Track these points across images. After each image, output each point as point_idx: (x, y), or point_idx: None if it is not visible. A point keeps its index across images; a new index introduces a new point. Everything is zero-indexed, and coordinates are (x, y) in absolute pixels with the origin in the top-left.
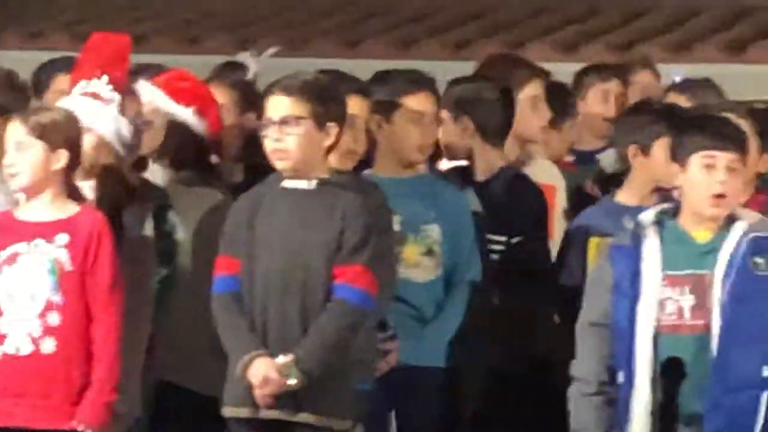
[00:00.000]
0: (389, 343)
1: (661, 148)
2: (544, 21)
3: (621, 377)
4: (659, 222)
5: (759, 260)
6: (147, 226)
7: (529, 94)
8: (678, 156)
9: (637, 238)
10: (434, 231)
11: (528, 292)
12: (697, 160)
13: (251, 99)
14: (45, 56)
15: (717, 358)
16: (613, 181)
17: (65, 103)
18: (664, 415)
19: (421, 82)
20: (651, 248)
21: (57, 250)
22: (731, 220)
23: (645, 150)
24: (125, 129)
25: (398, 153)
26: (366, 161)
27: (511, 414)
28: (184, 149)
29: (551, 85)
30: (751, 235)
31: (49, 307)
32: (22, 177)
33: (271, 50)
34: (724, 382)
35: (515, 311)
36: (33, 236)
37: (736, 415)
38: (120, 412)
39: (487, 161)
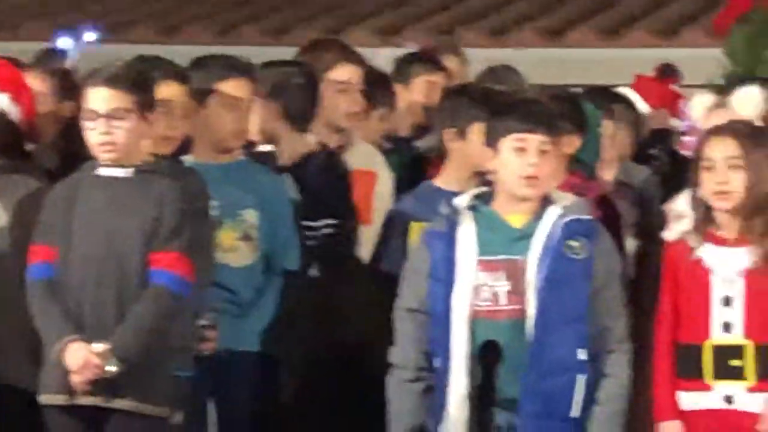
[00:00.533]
0: (209, 331)
1: (476, 132)
2: (364, 6)
3: (438, 363)
4: (474, 207)
5: (573, 243)
6: None
7: (336, 79)
8: (491, 140)
9: (452, 223)
10: (251, 216)
11: (343, 278)
12: (508, 143)
13: (69, 86)
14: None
15: (533, 343)
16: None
17: None
18: (481, 400)
19: (236, 68)
20: (466, 233)
21: None
22: (546, 204)
23: (461, 134)
24: None
25: (214, 139)
26: (186, 147)
27: (330, 401)
28: None
29: (369, 72)
30: (566, 219)
31: None
32: None
33: (90, 36)
34: (540, 366)
35: (333, 297)
36: None
37: (552, 399)
38: None
39: (293, 146)
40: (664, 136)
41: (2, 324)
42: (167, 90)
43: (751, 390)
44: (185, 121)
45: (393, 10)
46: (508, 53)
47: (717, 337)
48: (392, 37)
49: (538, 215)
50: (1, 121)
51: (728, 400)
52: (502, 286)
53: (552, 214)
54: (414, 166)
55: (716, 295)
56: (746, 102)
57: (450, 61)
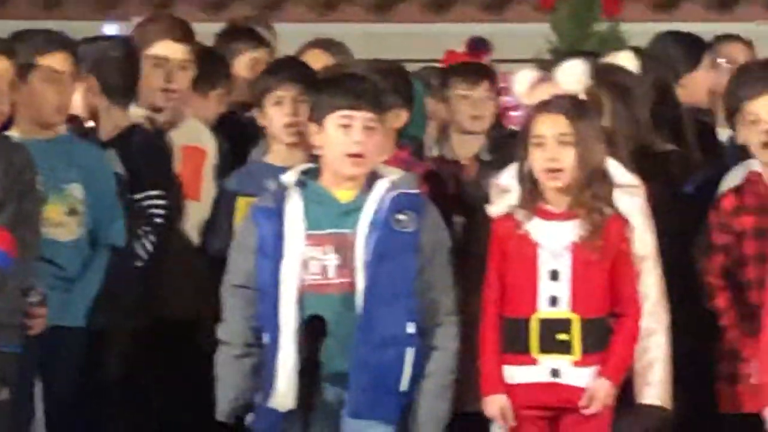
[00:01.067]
0: (38, 308)
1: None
2: None
3: (266, 338)
4: (302, 182)
5: (401, 217)
6: None
7: (154, 54)
8: (316, 116)
9: (280, 198)
10: (76, 190)
11: (170, 252)
12: (333, 120)
13: None
14: None
15: (362, 317)
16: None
17: None
18: (310, 375)
19: (57, 42)
20: (293, 209)
21: None
22: (373, 178)
23: None
24: None
25: (36, 114)
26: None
27: (158, 376)
28: None
29: (201, 49)
30: (393, 192)
31: None
32: None
33: None
34: (369, 339)
35: (159, 272)
36: None
37: (381, 373)
38: None
39: (113, 121)
40: None
41: None
42: None
43: (577, 364)
44: (10, 96)
45: None
46: (336, 27)
47: (544, 310)
48: (221, 12)
49: (366, 189)
50: None
51: (555, 373)
52: (331, 260)
53: (380, 188)
54: (241, 142)
55: (543, 268)
56: (571, 76)
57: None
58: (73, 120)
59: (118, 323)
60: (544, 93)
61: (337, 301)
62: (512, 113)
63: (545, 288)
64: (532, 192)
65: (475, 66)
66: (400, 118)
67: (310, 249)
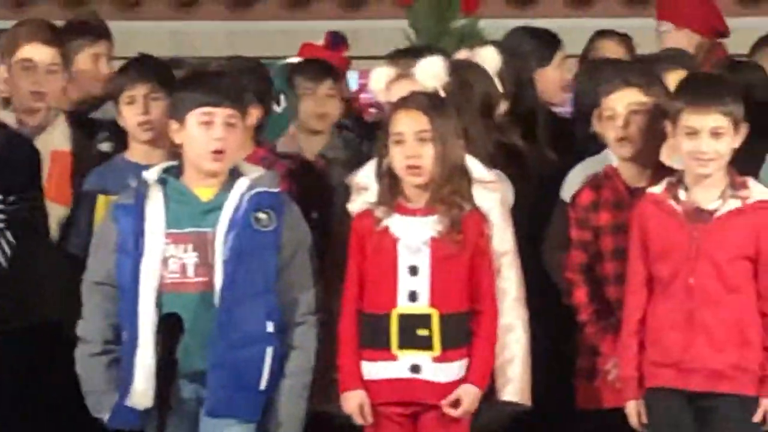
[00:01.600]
0: None
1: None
2: None
3: (125, 336)
4: (163, 180)
5: (261, 216)
6: None
7: (21, 57)
8: (176, 113)
9: (140, 196)
10: None
11: (35, 251)
12: (194, 116)
13: None
14: None
15: (221, 315)
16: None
17: None
18: (168, 373)
19: None
20: (154, 207)
21: None
22: (234, 176)
23: None
24: None
25: None
26: None
27: (26, 375)
28: None
29: None
30: (253, 191)
31: None
32: None
33: None
34: (228, 338)
35: (24, 272)
36: None
37: (240, 371)
38: None
39: None
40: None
41: None
42: None
43: (437, 360)
44: None
45: None
46: (195, 25)
47: (403, 306)
48: (76, 7)
49: (226, 188)
50: None
51: (414, 369)
52: (190, 258)
53: (240, 186)
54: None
55: (403, 264)
56: (429, 73)
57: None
58: None
59: None
60: (402, 89)
61: (195, 299)
62: (372, 110)
63: (404, 283)
64: (391, 188)
65: (318, 63)
66: (253, 116)
67: (169, 247)
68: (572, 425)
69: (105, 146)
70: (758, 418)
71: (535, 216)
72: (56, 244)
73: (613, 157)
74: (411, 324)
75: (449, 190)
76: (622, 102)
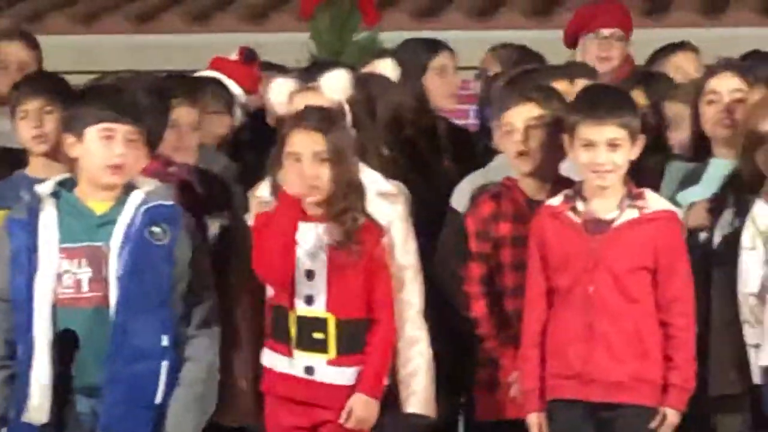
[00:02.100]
0: None
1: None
2: None
3: (20, 352)
4: (57, 193)
5: (155, 229)
6: None
7: None
8: (74, 127)
9: (33, 210)
10: None
11: None
12: (94, 132)
13: None
14: None
15: (116, 330)
16: None
17: None
18: (64, 388)
19: None
20: (47, 220)
21: None
22: (128, 189)
23: None
24: None
25: None
26: None
27: None
28: None
29: None
30: (148, 204)
31: None
32: None
33: None
34: (123, 352)
35: None
36: None
37: (136, 386)
38: None
39: None
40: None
41: None
42: None
43: (331, 363)
44: None
45: None
46: (98, 39)
47: (301, 308)
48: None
49: (120, 201)
50: None
51: (309, 371)
52: (85, 273)
53: (134, 199)
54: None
55: (300, 268)
56: (335, 86)
57: (16, 48)
58: None
59: None
60: (305, 102)
61: (90, 314)
62: None
63: (301, 287)
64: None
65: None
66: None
67: (63, 262)
68: None
69: None
70: (655, 425)
71: (439, 227)
72: None
73: (501, 167)
74: (308, 326)
75: (343, 207)
76: (520, 117)
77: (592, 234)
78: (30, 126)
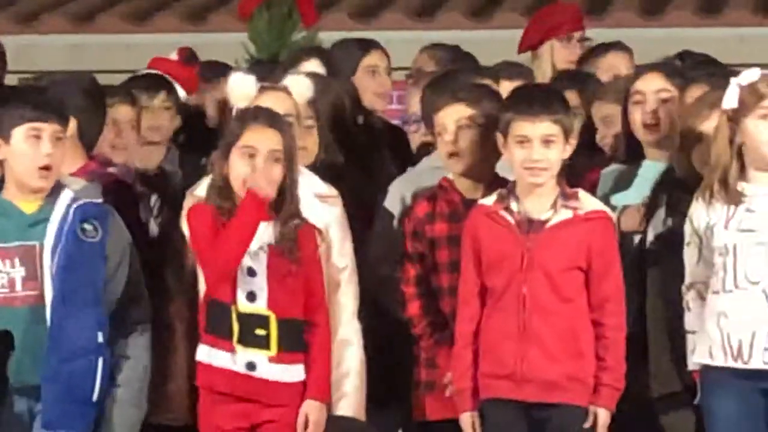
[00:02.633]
0: None
1: None
2: None
3: None
4: None
5: (87, 226)
6: None
7: None
8: (0, 129)
9: None
10: None
11: None
12: (21, 132)
13: None
14: None
15: (52, 328)
16: None
17: None
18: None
19: None
20: None
21: None
22: (58, 188)
23: None
24: None
25: None
26: None
27: None
28: None
29: None
30: (78, 203)
31: None
32: None
33: None
34: (59, 350)
35: None
36: None
37: (73, 383)
38: None
39: None
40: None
41: None
42: None
43: (272, 360)
44: None
45: None
46: (36, 39)
47: (243, 305)
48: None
49: (50, 200)
50: None
51: (250, 366)
52: (18, 272)
53: (65, 198)
54: None
55: (243, 265)
56: (302, 87)
57: None
58: None
59: None
60: (268, 102)
61: (25, 313)
62: None
63: (243, 283)
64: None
65: (153, 77)
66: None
67: None
68: None
69: None
70: (588, 424)
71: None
72: None
73: (428, 169)
74: (250, 323)
75: (291, 209)
76: (451, 117)
77: (525, 234)
78: None
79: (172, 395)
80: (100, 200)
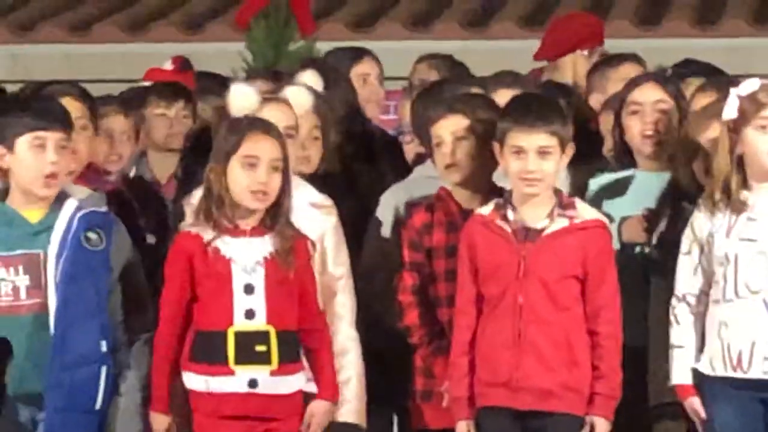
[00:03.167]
0: None
1: None
2: None
3: None
4: None
5: (91, 235)
6: None
7: None
8: (4, 138)
9: None
10: None
11: None
12: (25, 141)
13: None
14: None
15: (56, 336)
16: None
17: None
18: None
19: None
20: None
21: None
22: (62, 197)
23: None
24: None
25: None
26: None
27: None
28: None
29: None
30: (83, 211)
31: None
32: None
33: None
34: (63, 359)
35: None
36: None
37: (76, 392)
38: None
39: None
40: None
41: None
42: None
43: (274, 374)
44: None
45: None
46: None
47: (240, 323)
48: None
49: (54, 209)
50: None
51: (252, 384)
52: (22, 280)
53: (69, 207)
54: None
55: (238, 283)
56: (302, 99)
57: None
58: None
59: None
60: (271, 113)
61: (29, 322)
62: None
63: (240, 302)
64: (212, 209)
65: (173, 86)
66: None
67: (0, 270)
68: None
69: None
70: None
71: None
72: None
73: (421, 178)
74: (249, 340)
75: (286, 218)
76: (448, 129)
77: (522, 242)
78: None
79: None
80: (104, 209)
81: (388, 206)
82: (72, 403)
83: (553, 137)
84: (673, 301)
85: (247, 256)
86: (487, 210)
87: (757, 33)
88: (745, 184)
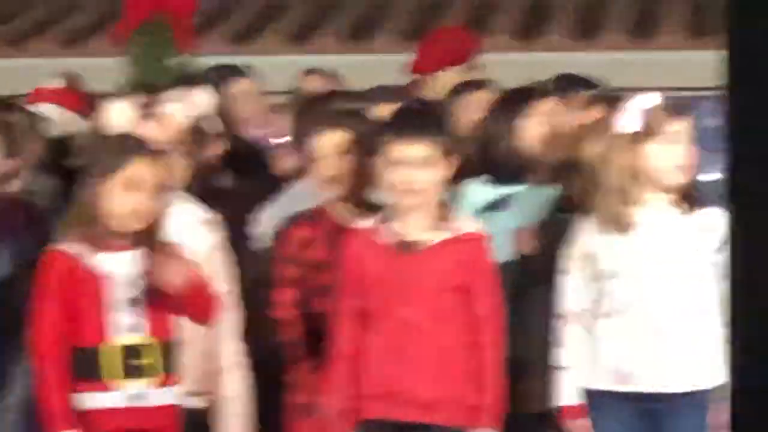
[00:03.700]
0: None
1: None
2: None
3: None
4: None
5: None
6: None
7: None
8: None
9: None
10: None
11: None
12: None
13: None
14: None
15: None
16: None
17: None
18: None
19: None
20: None
21: None
22: None
23: None
24: None
25: None
26: None
27: None
28: None
29: None
30: None
31: None
32: None
33: None
34: None
35: None
36: None
37: None
38: None
39: None
40: None
41: None
42: None
43: (158, 385)
44: None
45: None
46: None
47: (123, 337)
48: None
49: None
50: None
51: (137, 398)
52: None
53: None
54: None
55: (119, 297)
56: (179, 113)
57: None
58: None
59: None
60: (149, 130)
61: None
62: None
63: (122, 316)
64: (94, 228)
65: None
66: None
67: None
68: None
69: None
70: None
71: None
72: None
73: (299, 194)
74: (132, 354)
75: (160, 235)
76: (328, 143)
77: (402, 255)
78: None
79: None
80: None
81: (267, 221)
82: None
83: (433, 147)
84: (559, 321)
85: (126, 270)
86: (367, 224)
87: (634, 47)
88: (634, 198)
